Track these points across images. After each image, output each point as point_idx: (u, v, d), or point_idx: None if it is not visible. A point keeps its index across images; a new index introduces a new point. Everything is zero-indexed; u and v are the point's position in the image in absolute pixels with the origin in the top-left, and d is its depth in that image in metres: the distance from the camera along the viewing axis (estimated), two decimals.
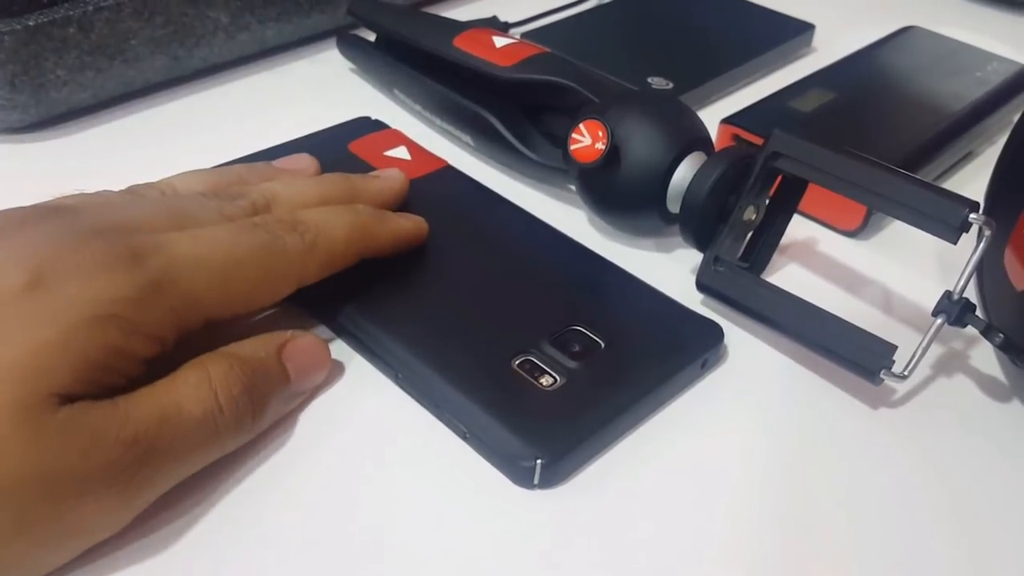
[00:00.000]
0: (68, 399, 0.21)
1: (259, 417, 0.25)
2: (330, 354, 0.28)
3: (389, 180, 0.33)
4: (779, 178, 0.32)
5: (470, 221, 0.34)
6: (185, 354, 0.25)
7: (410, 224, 0.32)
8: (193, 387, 0.24)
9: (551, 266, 0.32)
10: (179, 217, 0.26)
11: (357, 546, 0.24)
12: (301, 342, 0.27)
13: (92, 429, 0.21)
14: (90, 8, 0.37)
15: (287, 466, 0.26)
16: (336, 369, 0.29)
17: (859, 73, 0.45)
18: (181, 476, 0.24)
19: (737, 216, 0.31)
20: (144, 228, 0.25)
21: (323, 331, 0.30)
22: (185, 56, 0.42)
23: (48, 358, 0.21)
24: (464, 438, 0.27)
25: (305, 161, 0.34)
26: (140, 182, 0.29)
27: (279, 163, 0.34)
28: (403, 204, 0.34)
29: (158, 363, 0.24)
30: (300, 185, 0.30)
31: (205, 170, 0.31)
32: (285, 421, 0.27)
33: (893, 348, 0.28)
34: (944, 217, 0.27)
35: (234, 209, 0.27)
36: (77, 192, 0.27)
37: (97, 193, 0.28)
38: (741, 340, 0.31)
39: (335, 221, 0.28)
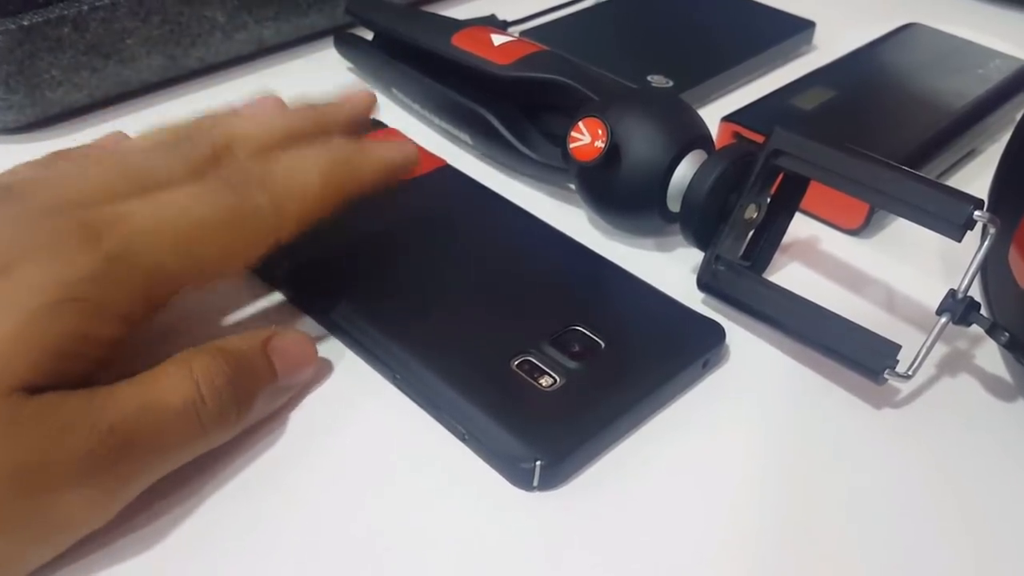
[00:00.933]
0: (38, 390, 0.20)
1: (244, 411, 0.25)
2: (316, 350, 0.28)
3: (359, 102, 0.30)
4: (780, 176, 0.32)
5: (469, 221, 0.34)
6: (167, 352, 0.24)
7: (395, 151, 0.29)
8: (174, 379, 0.23)
9: (550, 266, 0.32)
10: (135, 177, 0.24)
11: (355, 548, 0.23)
12: (287, 337, 0.26)
13: (64, 419, 0.20)
14: (85, 7, 0.37)
15: (284, 467, 0.25)
16: (333, 370, 0.28)
17: (860, 71, 0.44)
18: (166, 469, 0.23)
19: (738, 215, 0.31)
20: (99, 199, 0.23)
21: (321, 332, 0.30)
22: (182, 56, 0.42)
23: (5, 350, 0.20)
24: (463, 439, 0.26)
25: (269, 102, 0.32)
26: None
27: (241, 107, 0.31)
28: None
29: (139, 359, 0.23)
30: (262, 121, 0.28)
31: (160, 127, 0.29)
32: (282, 422, 0.27)
33: (897, 347, 0.27)
34: (948, 215, 0.27)
35: (194, 154, 0.25)
36: (24, 163, 0.26)
37: (46, 160, 0.26)
38: (743, 340, 0.31)
39: (306, 165, 0.26)
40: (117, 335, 0.22)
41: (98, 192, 0.23)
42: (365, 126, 0.30)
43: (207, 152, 0.26)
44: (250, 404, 0.25)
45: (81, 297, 0.21)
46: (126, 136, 0.27)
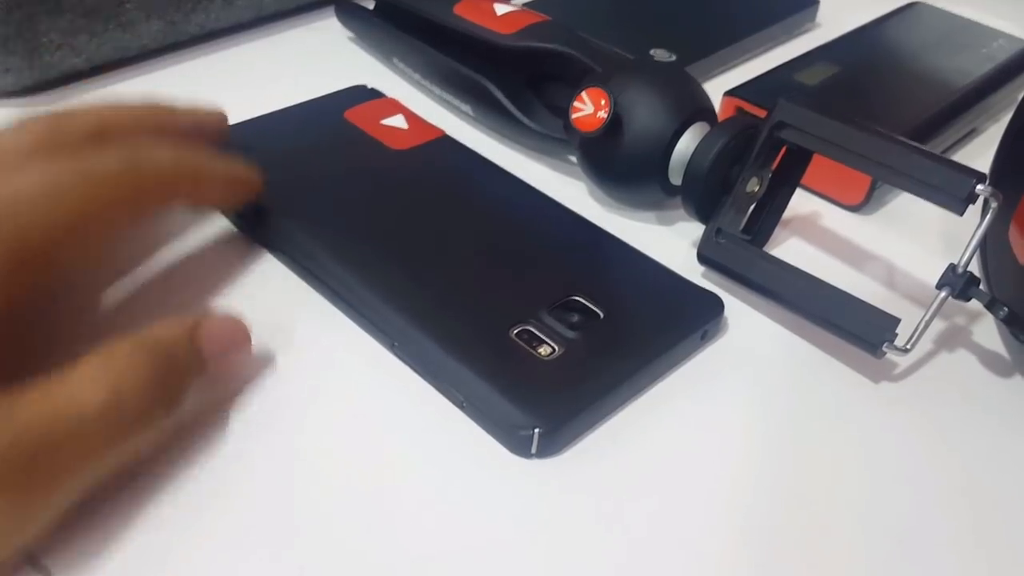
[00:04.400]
0: None
1: (172, 407, 0.23)
2: (248, 333, 0.26)
3: (209, 115, 0.31)
4: (783, 150, 0.32)
5: (467, 191, 0.34)
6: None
7: (242, 168, 0.30)
8: (90, 377, 0.21)
9: (550, 237, 0.32)
10: None
11: (352, 515, 0.23)
12: (215, 322, 0.25)
13: None
14: None
15: (281, 434, 0.25)
16: (331, 338, 0.28)
17: (864, 48, 0.44)
18: (94, 475, 0.21)
19: (740, 188, 0.31)
20: None
21: (319, 299, 0.30)
22: (181, 21, 0.41)
23: None
24: (461, 407, 0.26)
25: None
26: None
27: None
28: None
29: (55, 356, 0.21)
30: (100, 111, 0.28)
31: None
32: (278, 388, 0.27)
33: (896, 321, 0.27)
34: (951, 188, 0.27)
35: (29, 139, 0.25)
36: None
37: None
38: (742, 312, 0.31)
39: (155, 144, 0.27)
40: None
41: None
42: (209, 139, 0.30)
43: (40, 138, 0.25)
44: (178, 399, 0.23)
45: None
46: None
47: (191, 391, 0.23)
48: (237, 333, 0.26)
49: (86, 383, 0.21)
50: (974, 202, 0.27)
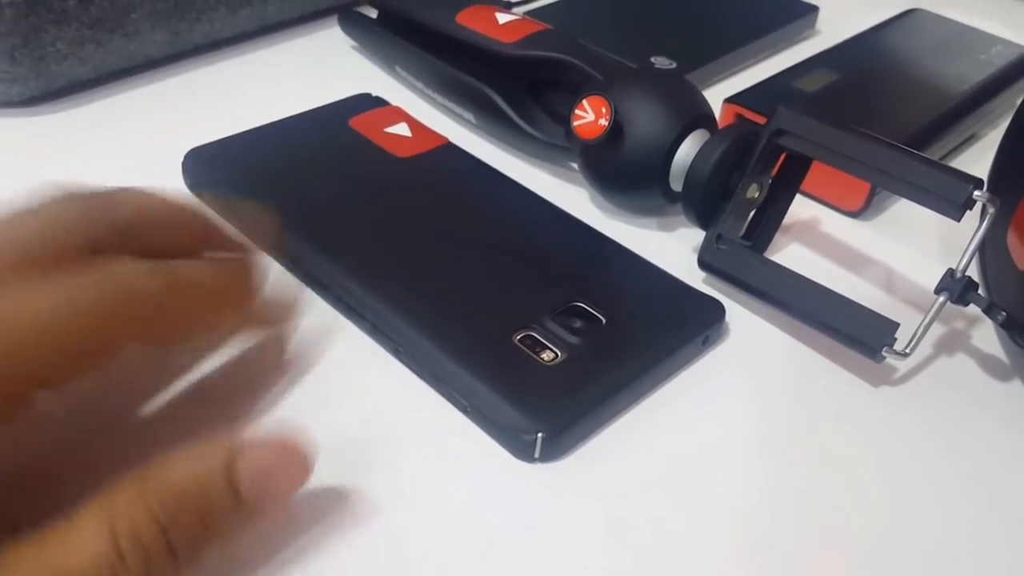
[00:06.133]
0: None
1: (188, 562, 0.19)
2: (308, 461, 0.21)
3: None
4: (783, 156, 0.32)
5: (471, 198, 0.34)
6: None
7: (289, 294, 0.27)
8: (87, 536, 0.18)
9: (552, 243, 0.32)
10: None
11: (355, 520, 0.24)
12: (261, 450, 0.20)
13: None
14: None
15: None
16: (337, 343, 0.29)
17: (863, 55, 0.44)
18: None
19: (740, 194, 0.31)
20: None
21: (324, 305, 0.30)
22: (186, 31, 0.42)
23: None
24: (465, 412, 0.27)
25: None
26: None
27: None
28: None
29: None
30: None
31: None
32: (283, 393, 0.27)
33: (895, 326, 0.28)
34: (948, 194, 0.27)
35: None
36: None
37: None
38: (743, 318, 0.31)
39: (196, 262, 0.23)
40: None
41: None
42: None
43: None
44: (196, 552, 0.19)
45: None
46: None
47: (217, 539, 0.20)
48: (292, 463, 0.21)
49: (81, 543, 0.18)
50: (971, 208, 0.27)
